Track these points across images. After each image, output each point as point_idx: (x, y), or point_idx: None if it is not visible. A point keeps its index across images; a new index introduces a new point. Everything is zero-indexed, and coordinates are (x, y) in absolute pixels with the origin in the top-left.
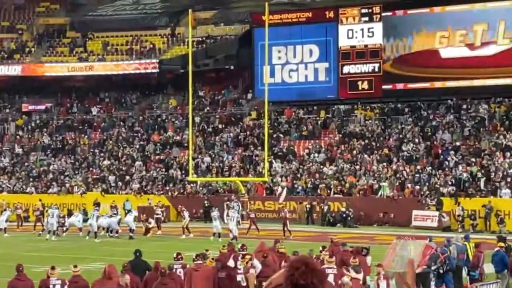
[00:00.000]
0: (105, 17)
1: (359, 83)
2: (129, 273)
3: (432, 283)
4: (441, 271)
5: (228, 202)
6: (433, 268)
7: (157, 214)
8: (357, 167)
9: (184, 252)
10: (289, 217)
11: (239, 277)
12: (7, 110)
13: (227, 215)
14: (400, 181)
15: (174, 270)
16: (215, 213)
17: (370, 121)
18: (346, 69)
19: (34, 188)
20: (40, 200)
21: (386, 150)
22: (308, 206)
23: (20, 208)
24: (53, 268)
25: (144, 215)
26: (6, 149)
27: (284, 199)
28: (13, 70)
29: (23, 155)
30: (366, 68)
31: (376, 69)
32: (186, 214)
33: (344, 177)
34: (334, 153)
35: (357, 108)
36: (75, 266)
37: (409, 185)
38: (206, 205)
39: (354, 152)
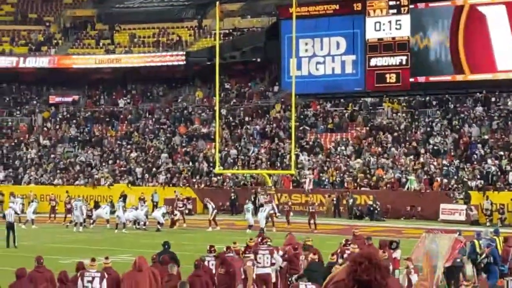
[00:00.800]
0: (132, 9)
1: (387, 75)
2: (157, 265)
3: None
4: (483, 264)
5: (263, 196)
6: (480, 260)
7: (180, 207)
8: (384, 160)
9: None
10: (316, 210)
11: (261, 270)
12: (35, 102)
13: (259, 206)
14: (427, 175)
15: (206, 262)
16: (248, 206)
17: (397, 114)
18: (373, 61)
19: (61, 180)
20: (67, 192)
21: (413, 143)
22: (335, 199)
23: (53, 199)
24: (93, 260)
25: (170, 207)
26: (33, 140)
27: (311, 188)
28: (41, 62)
29: (50, 147)
30: (394, 60)
31: (404, 62)
32: (210, 206)
33: (371, 170)
34: (361, 146)
35: (384, 101)
36: (107, 258)
37: (438, 179)
38: (233, 197)
39: (382, 145)
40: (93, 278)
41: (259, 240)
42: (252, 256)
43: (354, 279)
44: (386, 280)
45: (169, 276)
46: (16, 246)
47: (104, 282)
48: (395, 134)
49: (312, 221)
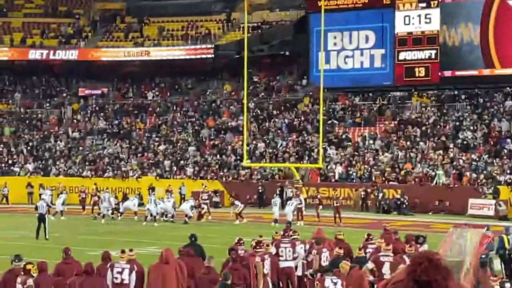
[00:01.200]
0: (161, 2)
1: (416, 69)
2: (184, 258)
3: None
4: None
5: (290, 189)
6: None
7: (204, 199)
8: (413, 154)
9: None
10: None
11: (283, 264)
12: (64, 94)
13: (287, 200)
14: (456, 169)
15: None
16: (275, 200)
17: (426, 108)
18: (402, 55)
19: (89, 172)
20: (95, 184)
21: (442, 138)
22: (363, 193)
23: (83, 191)
24: (123, 251)
25: (197, 201)
26: (62, 132)
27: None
28: (70, 54)
29: (79, 139)
30: (423, 54)
31: (433, 56)
32: (237, 202)
33: (400, 164)
34: (390, 140)
35: (413, 95)
36: (131, 250)
37: (467, 173)
38: (260, 191)
39: (410, 139)
40: (123, 269)
41: (283, 233)
42: (298, 249)
43: (414, 279)
44: (448, 282)
45: (207, 268)
46: (47, 238)
47: (134, 274)
48: (424, 128)
49: (337, 216)
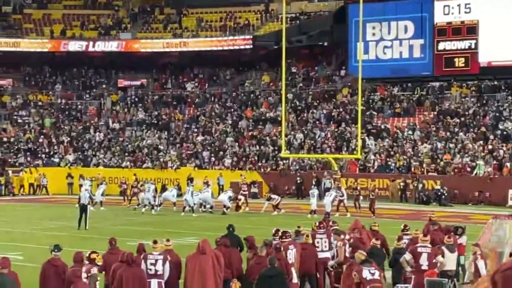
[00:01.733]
0: None
1: (455, 60)
2: (221, 248)
3: None
4: None
5: (329, 180)
6: None
7: (243, 191)
8: (452, 145)
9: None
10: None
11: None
12: (104, 86)
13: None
14: (496, 160)
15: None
16: (313, 191)
17: (466, 98)
18: (441, 45)
19: (129, 163)
20: (134, 175)
21: (482, 128)
22: (402, 184)
23: (124, 183)
24: (155, 242)
25: (235, 195)
26: (102, 124)
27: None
28: (110, 46)
29: (119, 130)
30: (463, 44)
31: (473, 46)
32: (274, 196)
33: (439, 155)
34: (429, 131)
35: (452, 85)
36: (168, 240)
37: (507, 164)
38: (299, 181)
39: (449, 130)
40: (156, 260)
41: (318, 224)
42: (333, 241)
43: None
44: None
45: (259, 258)
46: (87, 228)
47: (167, 264)
48: (463, 118)
49: (372, 209)
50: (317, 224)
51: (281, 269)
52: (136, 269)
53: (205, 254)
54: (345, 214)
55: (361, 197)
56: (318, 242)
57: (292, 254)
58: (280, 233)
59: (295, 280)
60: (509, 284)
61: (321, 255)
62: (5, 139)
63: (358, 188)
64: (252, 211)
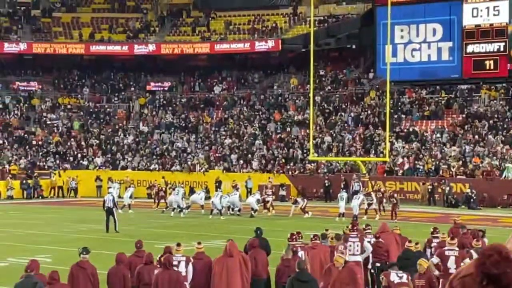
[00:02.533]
0: None
1: (484, 62)
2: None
3: None
4: None
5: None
6: None
7: (268, 195)
8: (481, 148)
9: (303, 231)
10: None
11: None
12: (132, 89)
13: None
14: None
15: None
16: (342, 194)
17: (495, 101)
18: (470, 48)
19: (157, 166)
20: (163, 177)
21: (511, 131)
22: (430, 187)
23: (154, 186)
24: (178, 245)
25: (262, 199)
26: (131, 127)
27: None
28: (138, 49)
29: (147, 133)
30: (491, 47)
31: (502, 49)
32: (300, 199)
33: (467, 158)
34: (457, 134)
35: (481, 88)
36: (199, 243)
37: None
38: (327, 184)
39: (478, 133)
40: (179, 262)
41: (351, 227)
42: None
43: (483, 272)
44: None
45: (287, 261)
46: (117, 230)
47: (190, 266)
48: (492, 121)
49: (393, 212)
50: (350, 227)
51: (311, 275)
52: (173, 272)
53: (232, 257)
54: (373, 216)
55: (384, 200)
56: (350, 246)
57: (302, 256)
58: (292, 236)
59: None
60: None
61: (353, 258)
62: (34, 142)
63: (382, 190)
64: (279, 214)
